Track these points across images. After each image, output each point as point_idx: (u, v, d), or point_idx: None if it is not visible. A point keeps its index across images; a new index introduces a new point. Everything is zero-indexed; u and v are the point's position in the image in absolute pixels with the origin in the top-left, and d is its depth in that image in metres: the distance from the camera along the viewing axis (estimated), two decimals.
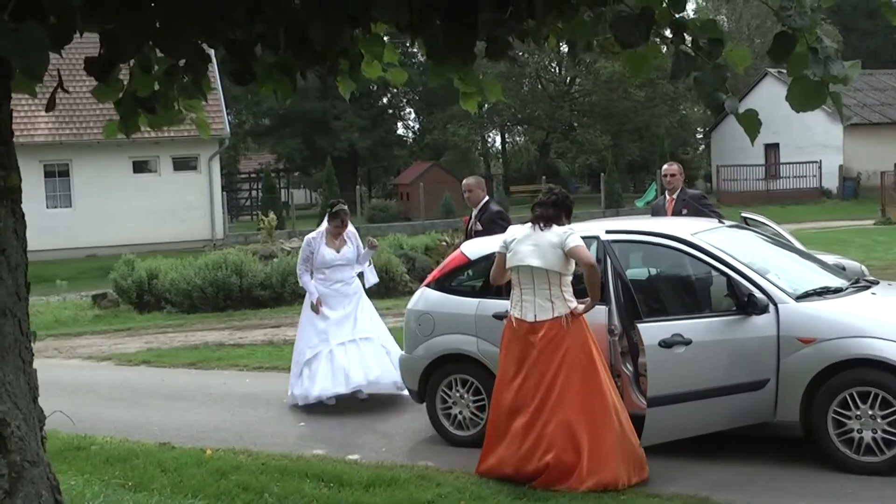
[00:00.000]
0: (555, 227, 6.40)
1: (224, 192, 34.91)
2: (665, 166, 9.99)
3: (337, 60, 3.49)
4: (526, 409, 6.30)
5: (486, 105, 51.41)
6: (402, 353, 8.28)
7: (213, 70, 33.06)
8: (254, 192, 49.80)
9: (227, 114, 50.23)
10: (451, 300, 7.84)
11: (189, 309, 17.39)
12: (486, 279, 7.70)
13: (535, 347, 6.29)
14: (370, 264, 10.05)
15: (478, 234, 9.25)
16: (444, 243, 19.97)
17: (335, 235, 9.57)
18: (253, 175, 52.78)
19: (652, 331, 6.19)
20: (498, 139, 62.73)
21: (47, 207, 31.10)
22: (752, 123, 3.14)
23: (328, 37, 2.78)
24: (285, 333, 14.48)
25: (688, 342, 6.25)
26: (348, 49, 3.51)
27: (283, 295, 17.62)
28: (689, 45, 3.25)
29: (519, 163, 59.91)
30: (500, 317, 7.39)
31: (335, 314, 9.50)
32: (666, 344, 6.19)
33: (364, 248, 9.80)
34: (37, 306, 19.59)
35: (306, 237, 9.69)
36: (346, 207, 9.75)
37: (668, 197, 9.76)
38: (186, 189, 32.21)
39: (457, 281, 8.00)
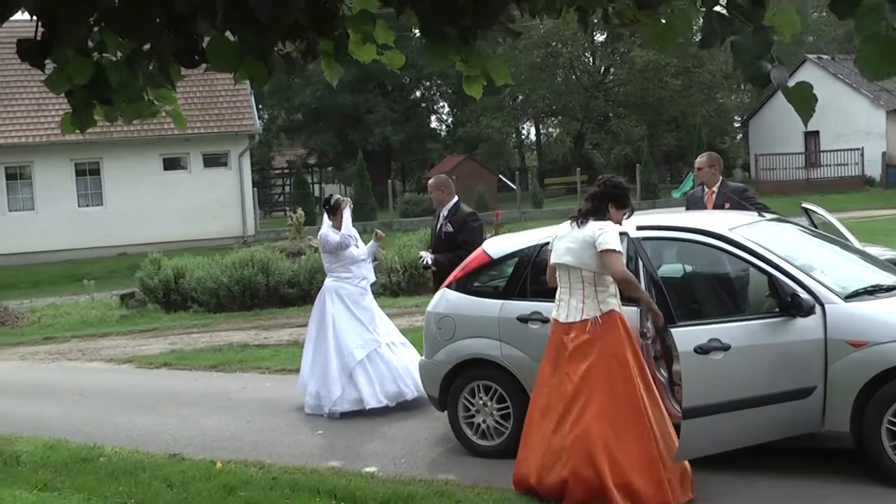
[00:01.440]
0: (591, 223, 6.00)
1: (256, 189, 34.65)
2: (697, 159, 9.42)
3: (312, 40, 3.05)
4: (553, 414, 5.94)
5: (518, 97, 50.93)
6: (422, 357, 7.88)
7: None
8: (287, 188, 49.62)
9: (259, 109, 50.48)
10: (472, 302, 7.44)
11: (216, 308, 17.18)
12: (510, 279, 7.30)
13: (566, 349, 5.95)
14: (373, 260, 9.67)
15: (448, 235, 8.93)
16: None
17: (339, 228, 9.24)
18: (286, 170, 52.64)
19: (687, 336, 5.72)
20: (532, 131, 62.11)
21: (79, 206, 31.11)
22: (805, 100, 2.64)
23: (274, 6, 2.35)
24: None
25: (726, 347, 5.78)
26: (326, 28, 3.06)
27: (311, 293, 17.13)
28: (724, 5, 2.75)
29: (554, 155, 59.20)
30: (524, 319, 7.04)
31: (366, 315, 9.14)
32: (702, 350, 5.72)
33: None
34: (65, 306, 19.55)
35: (322, 232, 9.30)
36: (341, 197, 9.53)
37: (706, 190, 9.19)
38: (217, 186, 32.03)
39: (479, 281, 7.60)
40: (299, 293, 17.37)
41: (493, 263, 7.53)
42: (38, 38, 2.82)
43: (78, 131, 3.46)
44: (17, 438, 8.64)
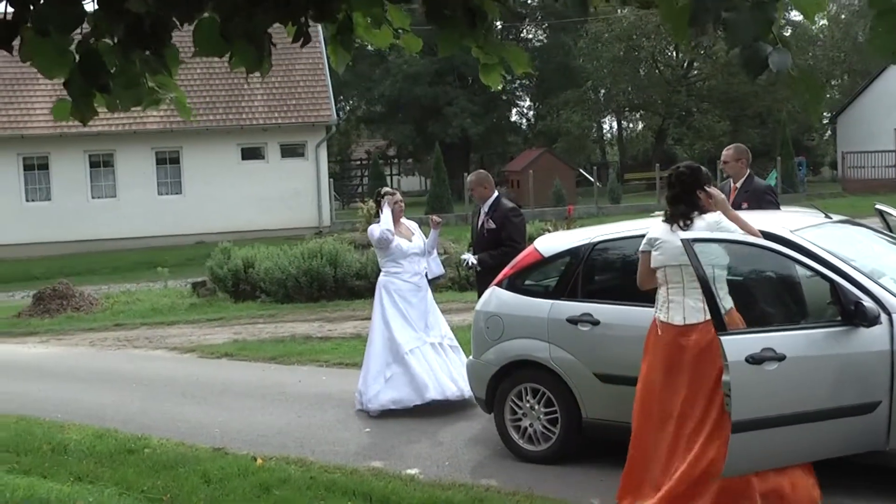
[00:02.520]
0: (699, 220, 5.79)
1: (332, 179, 34.78)
2: (723, 152, 8.97)
3: (304, 23, 2.83)
4: (677, 419, 5.67)
5: (601, 91, 50.24)
6: (470, 357, 7.67)
7: (321, 46, 32.92)
8: (365, 179, 49.80)
9: (340, 100, 50.76)
10: (522, 301, 7.21)
11: (283, 298, 17.18)
12: (561, 278, 7.04)
13: (686, 351, 5.66)
14: (435, 253, 9.36)
15: (490, 232, 8.80)
16: (546, 232, 19.22)
17: (399, 217, 9.05)
18: (364, 161, 52.85)
19: (738, 344, 5.37)
20: (614, 125, 61.31)
21: (158, 194, 31.59)
22: (812, 91, 2.33)
23: None
24: None
25: (781, 358, 5.41)
26: (325, 11, 2.83)
27: None
28: None
29: (635, 150, 58.37)
30: (574, 321, 6.80)
31: (416, 311, 8.91)
32: (754, 360, 5.37)
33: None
34: (138, 293, 19.83)
35: (372, 227, 9.08)
36: (391, 189, 9.28)
37: (732, 185, 8.77)
38: (294, 176, 32.21)
39: (529, 280, 7.36)
40: (367, 285, 17.18)
41: (544, 262, 7.28)
42: (5, 17, 2.66)
43: (78, 120, 3.29)
44: (69, 426, 8.68)
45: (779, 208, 8.39)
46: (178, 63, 3.34)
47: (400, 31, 3.47)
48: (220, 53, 2.84)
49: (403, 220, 9.22)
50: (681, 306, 5.70)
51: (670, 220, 5.88)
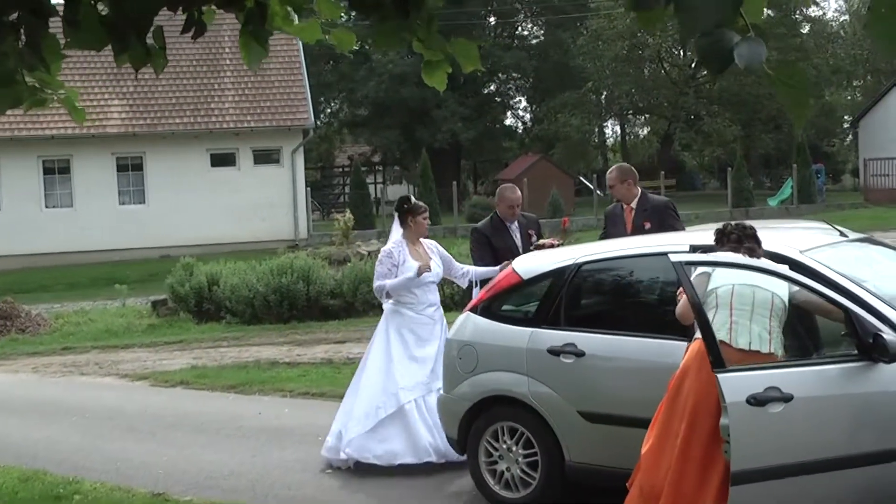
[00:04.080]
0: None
1: (309, 188, 34.52)
2: (607, 174, 8.92)
3: (195, 11, 2.53)
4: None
5: (602, 93, 50.09)
6: (441, 391, 7.41)
7: (298, 42, 32.70)
8: (348, 188, 49.58)
9: (321, 102, 50.58)
10: (498, 329, 6.95)
11: (250, 319, 17.00)
12: (542, 304, 6.79)
13: None
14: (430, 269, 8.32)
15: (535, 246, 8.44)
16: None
17: (423, 234, 8.33)
18: (347, 168, 52.58)
19: (737, 382, 5.11)
20: (616, 129, 61.24)
21: (120, 204, 31.35)
22: (796, 93, 2.02)
23: None
24: (350, 350, 13.98)
25: (787, 398, 5.14)
26: None
27: (355, 305, 17.06)
28: None
29: (639, 156, 58.24)
30: (555, 352, 6.54)
31: (426, 351, 8.06)
32: (757, 401, 5.10)
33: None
34: (93, 312, 19.60)
35: (384, 249, 8.23)
36: (421, 204, 8.47)
37: (624, 207, 8.64)
38: (268, 184, 32.00)
39: (507, 305, 7.12)
40: (342, 305, 17.11)
41: (523, 284, 7.02)
42: None
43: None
44: None
45: (682, 224, 8.38)
46: (61, 57, 3.02)
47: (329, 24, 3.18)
48: (97, 46, 2.52)
49: (424, 240, 8.45)
50: (746, 330, 5.50)
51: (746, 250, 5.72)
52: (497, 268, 8.03)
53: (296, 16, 3.01)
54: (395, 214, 8.38)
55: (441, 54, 3.14)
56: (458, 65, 3.35)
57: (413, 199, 8.52)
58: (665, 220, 8.36)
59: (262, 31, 2.94)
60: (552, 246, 8.02)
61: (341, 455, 7.96)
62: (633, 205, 8.53)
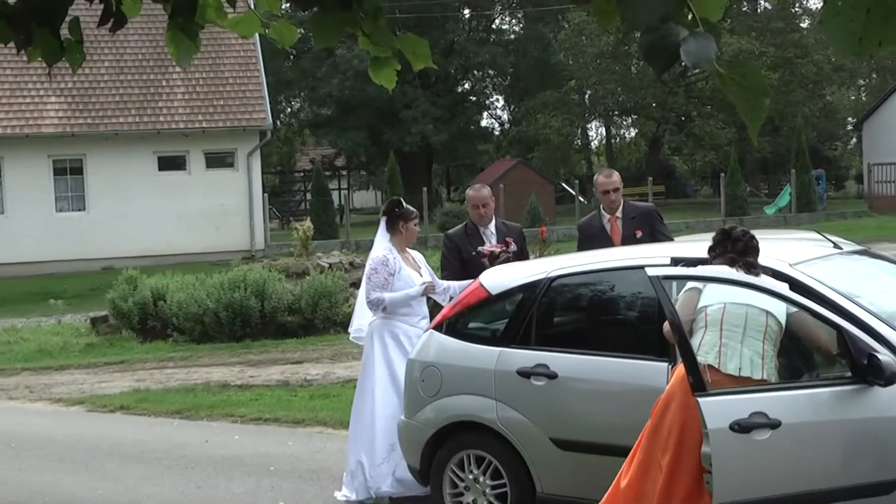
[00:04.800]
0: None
1: (266, 194, 34.52)
2: (601, 178, 8.77)
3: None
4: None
5: (586, 92, 50.28)
6: (402, 417, 7.39)
7: (254, 36, 32.67)
8: (309, 194, 49.60)
9: (279, 101, 50.54)
10: (464, 349, 6.96)
11: (200, 338, 16.95)
12: (511, 321, 6.81)
13: None
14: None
15: (513, 255, 8.33)
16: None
17: (412, 242, 8.28)
18: (309, 173, 52.57)
19: (720, 407, 5.13)
20: (601, 131, 61.52)
21: (57, 210, 31.14)
22: (750, 94, 2.02)
23: None
24: (308, 371, 14.02)
25: (775, 424, 5.16)
26: None
27: (314, 322, 17.04)
28: None
29: (626, 160, 58.53)
30: (525, 373, 6.56)
31: None
32: (741, 427, 5.12)
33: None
34: (24, 331, 19.45)
35: (378, 257, 8.05)
36: (410, 209, 8.37)
37: (607, 216, 8.61)
38: (221, 190, 31.92)
39: (473, 322, 7.13)
40: (300, 322, 17.09)
41: (491, 300, 7.03)
42: None
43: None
44: None
45: (670, 232, 8.46)
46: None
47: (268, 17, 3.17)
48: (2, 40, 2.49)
49: (410, 249, 8.40)
50: (737, 353, 5.51)
51: (747, 268, 5.70)
52: (467, 282, 7.95)
53: (231, 8, 2.99)
54: (383, 219, 8.26)
55: (389, 50, 3.14)
56: (428, 62, 3.34)
57: (404, 203, 8.38)
58: (656, 229, 8.38)
59: (192, 25, 2.91)
60: (497, 255, 8.06)
61: (371, 493, 7.77)
62: (619, 214, 8.50)
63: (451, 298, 8.04)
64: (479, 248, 8.30)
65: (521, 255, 8.50)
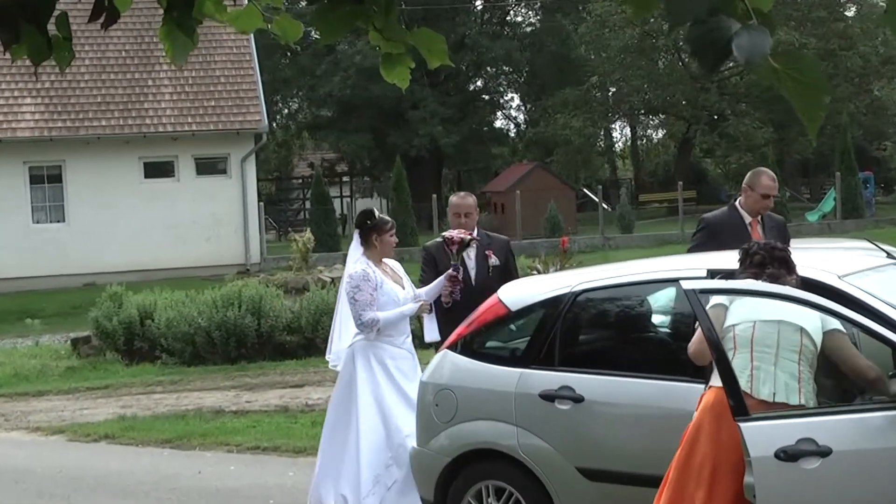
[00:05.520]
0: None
1: (262, 203, 34.56)
2: (766, 180, 8.58)
3: None
4: None
5: (609, 89, 50.30)
6: (413, 444, 7.46)
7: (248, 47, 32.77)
8: (308, 203, 49.75)
9: (275, 102, 50.71)
10: (481, 370, 7.00)
11: (191, 360, 17.05)
12: (533, 339, 6.87)
13: None
14: (431, 310, 8.45)
15: (498, 271, 8.50)
16: (534, 272, 19.09)
17: (390, 254, 8.34)
18: (309, 179, 52.73)
19: (764, 433, 5.14)
20: (626, 132, 61.53)
21: (34, 222, 31.18)
22: (809, 93, 2.00)
23: None
24: (309, 396, 14.10)
25: (825, 452, 5.16)
26: None
27: (315, 341, 17.06)
28: None
29: (653, 163, 58.60)
30: (549, 397, 6.58)
31: (413, 387, 7.93)
32: (788, 455, 5.12)
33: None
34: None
35: (356, 273, 8.08)
36: (385, 217, 8.49)
37: (748, 219, 8.53)
38: (213, 198, 31.95)
39: (492, 341, 7.21)
40: (300, 342, 17.17)
41: (510, 317, 7.09)
42: None
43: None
44: None
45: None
46: None
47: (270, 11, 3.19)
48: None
49: (388, 259, 8.45)
50: (771, 377, 5.50)
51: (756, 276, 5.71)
52: (438, 280, 8.25)
53: (230, 0, 3.00)
54: (357, 232, 8.35)
55: (402, 46, 3.14)
56: (445, 59, 3.34)
57: (377, 213, 8.48)
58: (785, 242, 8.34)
59: (189, 20, 2.92)
60: (467, 243, 8.18)
61: None
62: (759, 219, 8.46)
63: (431, 309, 8.24)
64: (443, 234, 8.42)
65: (506, 272, 8.52)
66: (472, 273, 8.59)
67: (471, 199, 8.88)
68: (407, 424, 7.81)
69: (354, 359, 8.10)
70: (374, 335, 8.02)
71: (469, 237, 8.30)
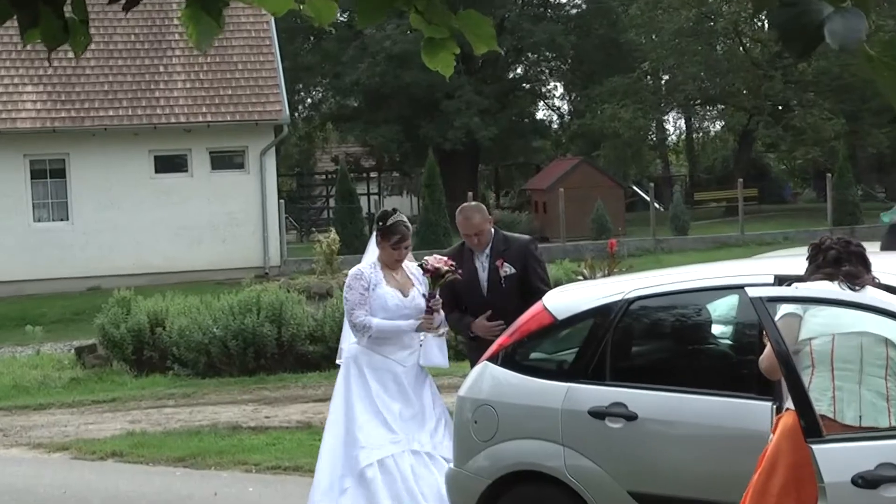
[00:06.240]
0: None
1: (283, 201, 34.66)
2: None
3: None
4: None
5: (662, 77, 50.10)
6: (450, 465, 7.49)
7: (267, 13, 32.90)
8: (332, 200, 49.84)
9: (298, 91, 50.82)
10: (525, 384, 7.01)
11: (205, 371, 17.18)
12: (581, 351, 6.88)
13: None
14: (443, 332, 8.63)
15: (510, 280, 8.53)
16: (580, 277, 19.15)
17: (394, 265, 8.44)
18: (332, 175, 52.83)
19: (840, 457, 5.13)
20: (680, 124, 61.34)
21: (35, 220, 31.36)
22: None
23: None
24: None
25: None
26: None
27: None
28: None
29: (710, 158, 58.39)
30: (599, 414, 6.57)
31: (399, 402, 8.28)
32: (867, 481, 5.12)
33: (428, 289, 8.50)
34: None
35: (353, 270, 8.47)
36: (405, 219, 8.56)
37: None
38: (229, 195, 32.07)
39: (536, 353, 7.24)
40: (324, 352, 17.13)
41: (557, 326, 7.10)
42: None
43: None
44: None
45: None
46: None
47: None
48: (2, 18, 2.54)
49: (407, 262, 8.61)
50: (857, 398, 5.47)
51: (843, 278, 5.67)
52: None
53: None
54: (375, 230, 8.54)
55: (446, 31, 3.14)
56: (493, 44, 3.35)
57: (395, 215, 8.50)
58: None
59: (214, 4, 2.94)
60: (442, 274, 8.19)
61: None
62: None
63: (441, 331, 8.44)
64: (422, 262, 8.44)
65: (526, 279, 8.52)
66: (484, 285, 8.67)
67: (476, 218, 8.75)
68: (371, 436, 8.07)
69: (350, 366, 8.35)
70: (365, 341, 8.21)
71: (447, 268, 8.28)
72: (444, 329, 8.55)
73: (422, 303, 8.32)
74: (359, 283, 8.23)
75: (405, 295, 8.34)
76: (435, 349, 8.61)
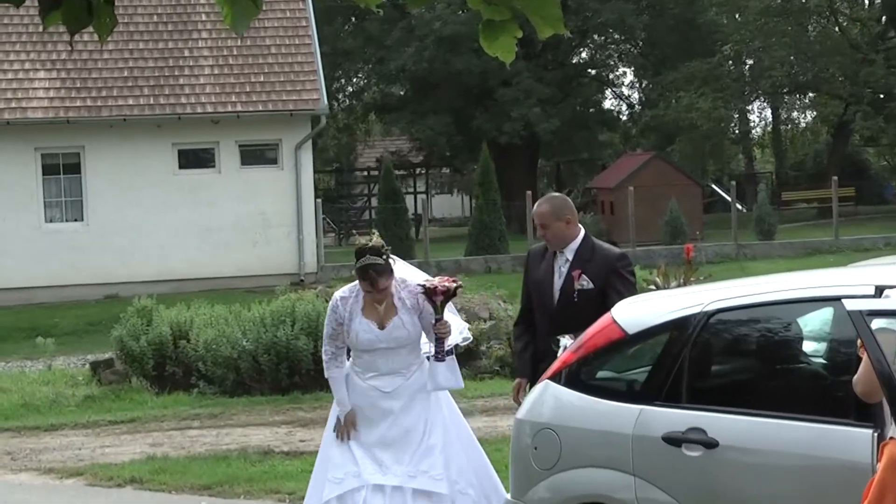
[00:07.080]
0: None
1: (320, 200, 34.84)
2: None
3: None
4: None
5: (745, 62, 49.84)
6: (507, 496, 7.53)
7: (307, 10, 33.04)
8: (375, 200, 50.01)
9: (337, 78, 50.99)
10: (591, 406, 7.02)
11: (233, 388, 17.26)
12: (654, 370, 6.88)
13: None
14: (449, 350, 8.76)
15: (584, 296, 8.50)
16: (652, 287, 19.13)
17: (373, 301, 8.58)
18: (375, 172, 53.04)
19: None
20: (766, 115, 61.03)
21: (46, 220, 31.60)
22: None
23: None
24: None
25: None
26: None
27: None
28: None
29: (800, 153, 58.08)
30: (675, 441, 6.55)
31: (373, 434, 8.63)
32: None
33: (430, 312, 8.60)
34: (3, 379, 19.78)
35: (335, 296, 8.71)
36: (379, 260, 8.43)
37: None
38: (261, 194, 32.25)
39: (604, 371, 7.24)
40: None
41: (627, 342, 7.11)
42: None
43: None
44: None
45: None
46: None
47: None
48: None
49: (410, 277, 8.83)
50: None
51: None
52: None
53: None
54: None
55: (508, 12, 3.14)
56: (532, 27, 3.34)
57: (365, 258, 8.38)
58: None
59: None
60: (439, 293, 8.26)
61: None
62: None
63: (441, 356, 8.59)
64: (423, 281, 8.60)
65: (607, 300, 8.32)
66: (555, 294, 8.71)
67: (544, 207, 8.88)
68: (336, 470, 8.59)
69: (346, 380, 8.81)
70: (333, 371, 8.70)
71: (454, 285, 8.41)
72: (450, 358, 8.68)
73: (401, 334, 8.51)
74: (333, 317, 8.59)
75: (381, 327, 8.50)
76: (443, 371, 8.71)
